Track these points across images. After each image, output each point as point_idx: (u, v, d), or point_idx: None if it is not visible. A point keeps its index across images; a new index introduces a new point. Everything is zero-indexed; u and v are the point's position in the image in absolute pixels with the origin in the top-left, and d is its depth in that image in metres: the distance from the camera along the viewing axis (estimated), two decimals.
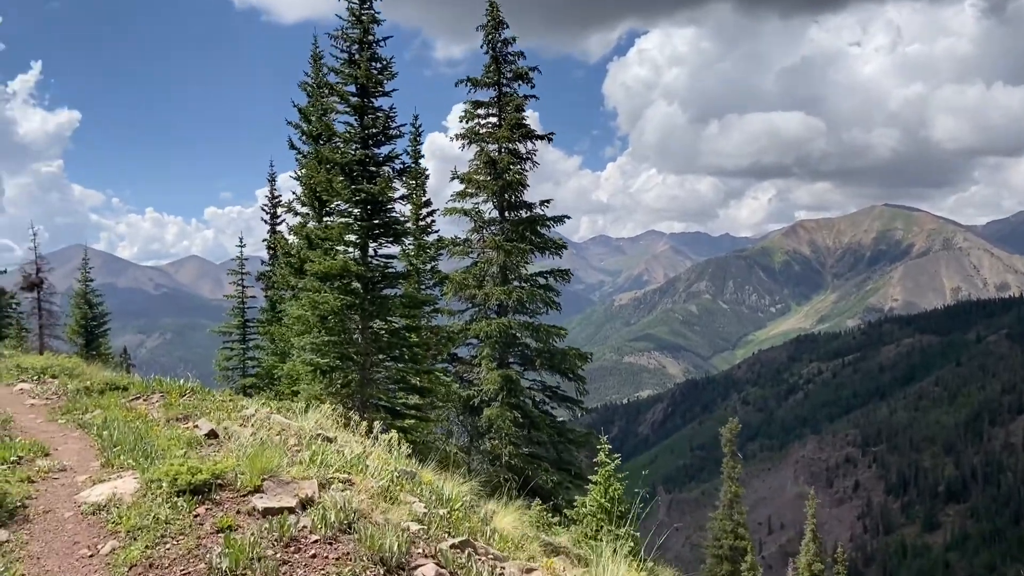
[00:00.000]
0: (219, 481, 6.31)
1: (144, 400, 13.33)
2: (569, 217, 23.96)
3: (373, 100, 15.25)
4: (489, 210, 23.99)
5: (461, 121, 23.90)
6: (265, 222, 39.29)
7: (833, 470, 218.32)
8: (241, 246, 31.92)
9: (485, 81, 23.75)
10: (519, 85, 24.05)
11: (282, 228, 39.05)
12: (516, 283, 23.21)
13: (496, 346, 21.96)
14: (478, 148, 23.32)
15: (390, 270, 15.43)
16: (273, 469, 6.39)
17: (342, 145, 14.79)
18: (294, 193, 26.52)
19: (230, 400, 14.28)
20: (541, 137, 23.58)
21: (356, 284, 14.37)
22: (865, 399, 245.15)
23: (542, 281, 24.02)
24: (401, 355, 14.45)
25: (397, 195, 14.89)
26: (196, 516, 5.81)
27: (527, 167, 23.37)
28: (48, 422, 11.59)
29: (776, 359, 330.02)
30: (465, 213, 22.88)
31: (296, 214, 26.43)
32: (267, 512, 5.77)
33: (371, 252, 14.87)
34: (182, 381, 13.74)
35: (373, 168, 14.78)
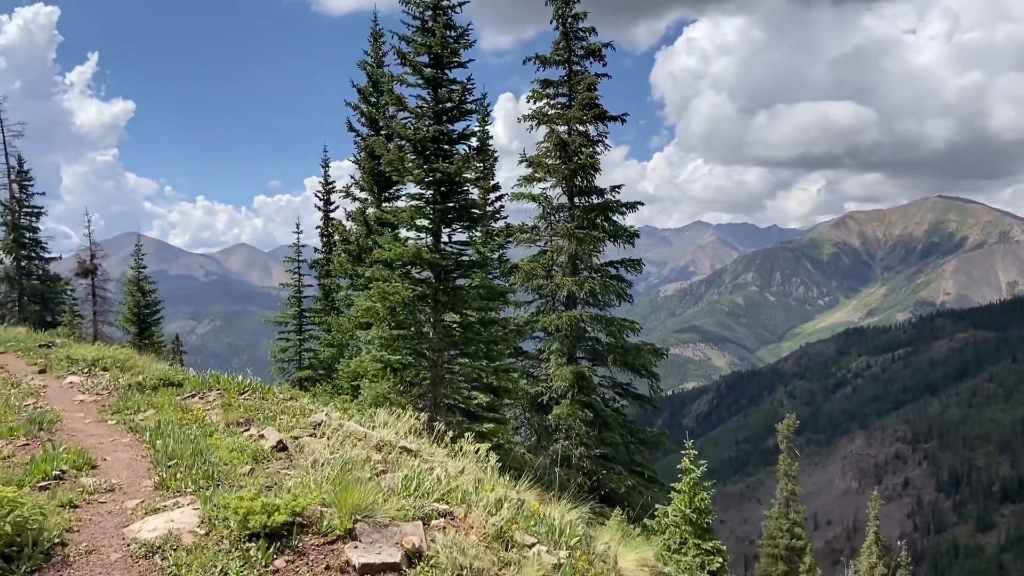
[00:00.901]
0: (300, 520, 4.99)
1: (200, 398, 12.22)
2: (643, 203, 22.35)
3: (447, 71, 13.86)
4: (558, 196, 22.52)
5: (529, 101, 22.41)
6: (319, 208, 38.40)
7: (882, 466, 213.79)
8: (298, 232, 30.94)
9: (555, 59, 22.21)
10: (590, 62, 22.46)
11: (336, 215, 38.20)
12: (586, 273, 21.71)
13: (566, 340, 20.53)
14: (548, 130, 21.82)
15: (464, 258, 14.09)
16: (367, 507, 5.04)
17: (414, 121, 13.40)
18: (352, 177, 25.38)
19: (293, 400, 13.11)
20: (614, 118, 21.97)
21: (428, 273, 13.07)
22: (916, 395, 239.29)
23: (612, 272, 22.47)
24: (476, 351, 13.12)
25: (472, 176, 13.50)
26: (275, 573, 4.49)
27: (599, 150, 21.80)
28: (97, 423, 10.53)
29: (824, 352, 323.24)
30: (533, 199, 21.42)
31: (354, 199, 25.29)
32: (365, 571, 4.42)
33: (444, 238, 13.53)
34: (240, 378, 12.61)
35: (446, 146, 13.38)
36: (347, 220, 25.24)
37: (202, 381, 12.75)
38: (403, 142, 13.12)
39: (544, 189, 22.24)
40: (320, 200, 38.45)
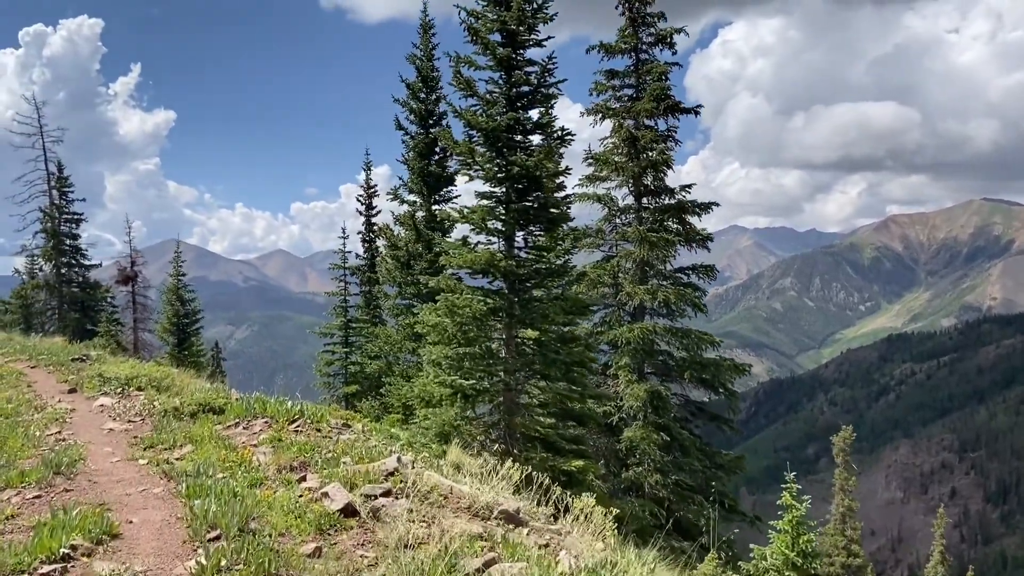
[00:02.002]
0: None
1: (244, 428, 10.62)
2: (718, 204, 20.34)
3: (522, 52, 12.07)
4: (623, 196, 20.66)
5: (591, 94, 20.56)
6: (360, 213, 37.02)
7: (928, 476, 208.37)
8: (343, 238, 29.44)
9: (620, 47, 20.36)
10: (659, 50, 20.57)
11: (378, 220, 36.78)
12: (657, 281, 19.81)
13: (636, 355, 18.64)
14: (614, 124, 19.97)
15: (542, 265, 12.31)
16: None
17: (483, 108, 11.62)
18: (400, 179, 23.79)
19: (350, 427, 11.47)
20: (688, 110, 20.05)
21: (499, 283, 11.35)
22: (962, 402, 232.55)
23: (684, 279, 20.53)
24: (554, 373, 11.28)
25: (554, 170, 11.67)
26: None
27: (670, 146, 19.90)
28: (127, 462, 8.98)
29: (866, 359, 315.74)
30: (597, 199, 19.59)
31: (402, 202, 23.68)
32: None
33: (519, 242, 11.78)
34: (289, 403, 11.01)
35: (518, 137, 11.58)
36: (395, 224, 23.71)
37: (246, 407, 11.17)
38: (473, 132, 11.38)
39: (608, 189, 20.41)
40: (362, 205, 37.07)
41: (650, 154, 19.42)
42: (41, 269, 46.36)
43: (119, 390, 13.86)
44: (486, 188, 11.68)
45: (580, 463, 10.22)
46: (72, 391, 14.62)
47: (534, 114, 11.66)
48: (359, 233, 35.67)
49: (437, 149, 23.25)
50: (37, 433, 10.69)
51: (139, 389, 13.97)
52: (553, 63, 11.77)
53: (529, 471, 7.94)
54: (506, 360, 11.09)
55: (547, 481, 7.56)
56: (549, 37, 12.03)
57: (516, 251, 11.49)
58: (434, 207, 22.86)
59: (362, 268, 33.57)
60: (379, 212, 37.11)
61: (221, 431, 10.52)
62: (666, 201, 19.97)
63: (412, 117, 23.70)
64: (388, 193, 23.74)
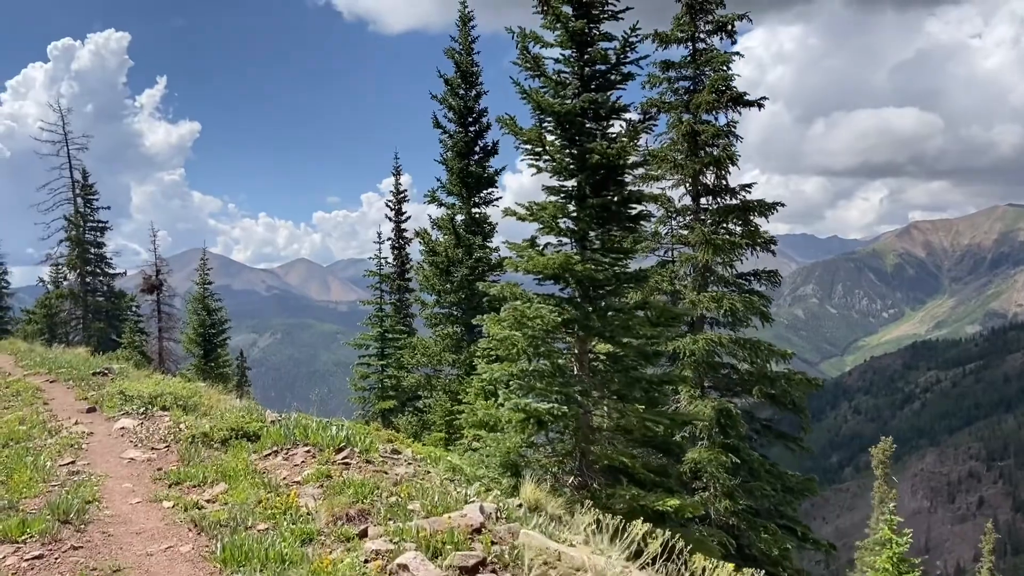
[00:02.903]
0: None
1: (284, 458, 9.22)
2: (783, 204, 18.72)
3: (598, 25, 10.49)
4: (680, 196, 19.14)
5: (644, 87, 19.05)
6: (390, 219, 35.77)
7: (955, 485, 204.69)
8: (379, 243, 28.06)
9: (676, 36, 18.84)
10: (719, 39, 19.04)
11: (407, 226, 35.49)
12: (719, 288, 18.26)
13: (699, 368, 17.05)
14: (671, 118, 18.45)
15: (620, 269, 10.78)
16: None
17: (553, 90, 10.04)
18: (438, 180, 22.41)
19: (401, 458, 10.04)
20: (752, 103, 18.49)
21: (571, 290, 9.86)
22: (989, 410, 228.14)
23: (746, 285, 18.93)
24: (637, 394, 9.69)
25: (637, 159, 10.05)
26: None
27: (733, 141, 18.36)
28: (149, 503, 7.61)
29: (890, 366, 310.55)
30: (653, 199, 18.05)
31: (440, 204, 22.31)
32: None
33: (591, 243, 10.18)
34: (334, 429, 9.59)
35: (590, 124, 9.98)
36: (432, 228, 22.36)
37: (285, 433, 9.76)
38: (544, 116, 9.83)
39: (664, 188, 18.90)
40: (391, 210, 35.83)
41: (712, 151, 17.90)
42: (66, 278, 45.63)
43: (142, 410, 12.55)
44: (553, 182, 10.20)
45: (675, 501, 8.66)
46: (91, 410, 13.35)
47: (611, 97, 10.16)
48: (388, 239, 34.44)
49: (477, 148, 21.93)
50: (48, 463, 9.38)
51: (164, 409, 12.65)
52: (636, 34, 10.10)
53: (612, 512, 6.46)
54: (581, 379, 9.60)
55: (640, 526, 6.10)
56: (627, 8, 10.43)
57: (591, 253, 9.94)
58: (474, 210, 21.51)
59: (392, 275, 32.28)
60: (409, 218, 35.88)
61: (257, 462, 9.14)
62: (728, 201, 18.40)
63: (450, 114, 22.33)
64: (425, 195, 22.43)
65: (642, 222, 10.74)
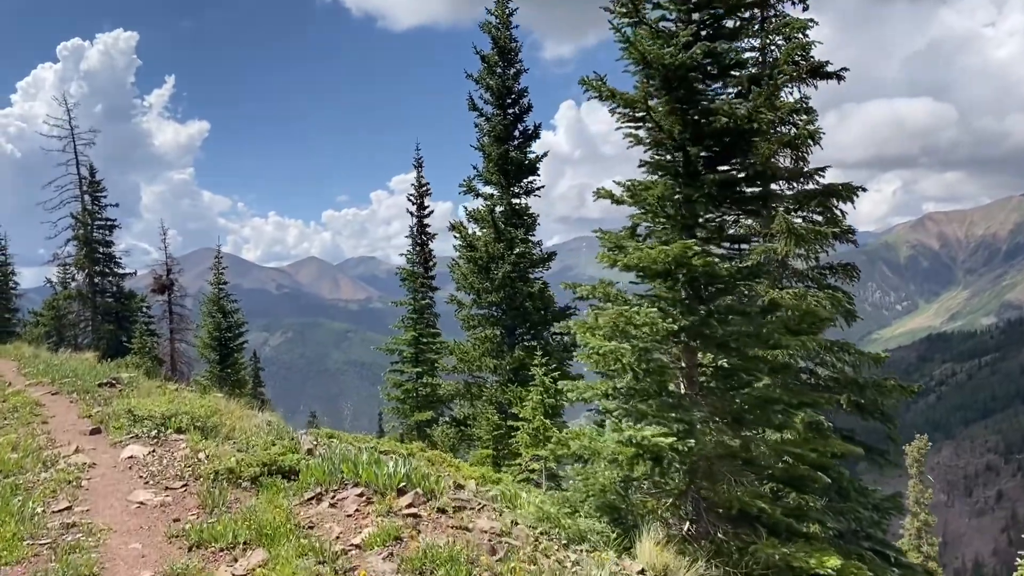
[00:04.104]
0: None
1: (332, 504, 7.33)
2: (865, 189, 16.68)
3: None
4: None
5: None
6: (411, 214, 33.83)
7: (972, 479, 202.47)
8: (414, 238, 26.03)
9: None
10: (791, 4, 16.99)
11: (430, 221, 33.63)
12: (797, 284, 16.27)
13: (776, 375, 14.99)
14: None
15: (743, 263, 8.87)
16: None
17: (658, 40, 7.96)
18: (475, 168, 20.46)
19: (466, 494, 8.14)
20: (831, 75, 16.44)
21: (682, 290, 7.92)
22: (1006, 403, 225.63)
23: (825, 280, 16.92)
24: (771, 418, 7.71)
25: (772, 118, 7.90)
26: None
27: (813, 117, 16.33)
28: None
29: (904, 359, 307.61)
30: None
31: (477, 195, 20.36)
32: None
33: (703, 231, 8.18)
34: (391, 465, 7.69)
35: (703, 84, 7.96)
36: (468, 221, 20.45)
37: (329, 470, 7.85)
38: (651, 71, 7.79)
39: None
40: (413, 204, 33.90)
41: (791, 129, 15.88)
42: (74, 279, 43.99)
43: (153, 433, 10.68)
44: (651, 157, 8.21)
45: (836, 561, 6.78)
46: (95, 431, 11.51)
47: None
48: (409, 235, 32.55)
49: (517, 132, 19.99)
50: (39, 510, 7.55)
51: (179, 431, 10.78)
52: None
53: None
54: (696, 401, 7.68)
55: None
56: None
57: (708, 243, 7.92)
58: (514, 200, 19.58)
59: (413, 274, 30.38)
60: (431, 212, 33.97)
61: (298, 509, 7.25)
62: (806, 186, 16.37)
63: (488, 95, 20.37)
64: (460, 184, 20.48)
65: (773, 203, 8.79)
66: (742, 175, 7.95)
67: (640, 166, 8.38)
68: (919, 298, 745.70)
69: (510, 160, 19.91)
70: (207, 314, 30.31)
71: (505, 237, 19.10)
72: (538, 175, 20.39)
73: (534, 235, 20.10)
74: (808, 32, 16.64)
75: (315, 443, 10.42)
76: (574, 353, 20.00)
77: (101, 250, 43.09)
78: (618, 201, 8.05)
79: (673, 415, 7.02)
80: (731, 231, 8.51)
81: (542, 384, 14.55)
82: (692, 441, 6.61)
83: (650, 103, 7.50)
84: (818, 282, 16.80)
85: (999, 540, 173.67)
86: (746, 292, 8.69)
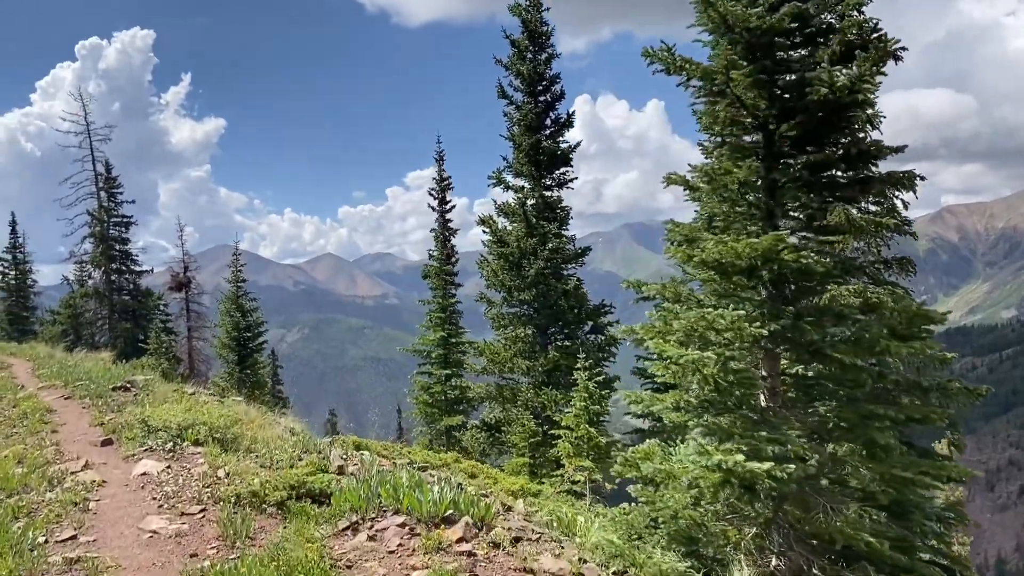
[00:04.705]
0: None
1: (370, 535, 6.39)
2: (924, 178, 15.45)
3: None
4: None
5: None
6: (432, 208, 32.86)
7: (994, 473, 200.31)
8: (442, 236, 24.98)
9: None
10: None
11: (452, 216, 32.67)
12: (856, 281, 15.06)
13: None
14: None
15: (841, 256, 7.88)
16: None
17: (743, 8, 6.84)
18: (504, 159, 19.44)
19: (516, 517, 7.19)
20: (889, 54, 15.15)
21: (762, 289, 6.92)
22: None
23: (882, 278, 15.73)
24: (875, 437, 6.65)
25: (873, 91, 6.83)
26: None
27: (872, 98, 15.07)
28: None
29: None
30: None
31: (507, 187, 19.34)
32: None
33: (790, 222, 7.12)
34: (435, 490, 6.75)
35: (786, 54, 6.91)
36: (498, 215, 19.43)
37: (366, 495, 6.92)
38: (733, 35, 6.69)
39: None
40: (434, 199, 32.93)
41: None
42: (91, 276, 43.47)
43: (169, 445, 9.81)
44: (726, 138, 7.20)
45: None
46: (107, 442, 10.67)
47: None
48: (432, 231, 31.60)
49: (548, 120, 18.95)
50: (42, 539, 6.69)
51: (196, 444, 9.90)
52: None
53: None
54: (786, 416, 6.67)
55: None
56: None
57: (790, 234, 6.86)
58: (546, 192, 18.56)
59: (440, 271, 29.43)
60: (454, 206, 33.04)
61: (332, 542, 6.32)
62: (869, 172, 15.17)
63: (518, 82, 19.32)
64: (490, 176, 19.45)
65: (873, 189, 7.69)
66: (839, 154, 6.91)
67: (714, 149, 7.31)
68: (938, 291, 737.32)
69: (542, 150, 18.89)
70: (225, 313, 29.50)
71: (537, 231, 18.10)
72: (571, 166, 19.36)
73: (567, 229, 19.11)
74: (863, 9, 15.48)
75: (345, 458, 9.50)
76: (613, 353, 19.02)
77: (117, 247, 42.51)
78: (693, 188, 7.03)
79: (764, 434, 6.02)
80: (820, 222, 7.42)
81: (586, 390, 13.58)
82: (792, 467, 5.62)
83: (731, 74, 6.49)
84: (875, 278, 15.67)
85: (1021, 535, 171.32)
86: (837, 292, 7.67)
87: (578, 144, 19.02)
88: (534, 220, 18.26)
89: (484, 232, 19.65)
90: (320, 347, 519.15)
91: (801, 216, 7.28)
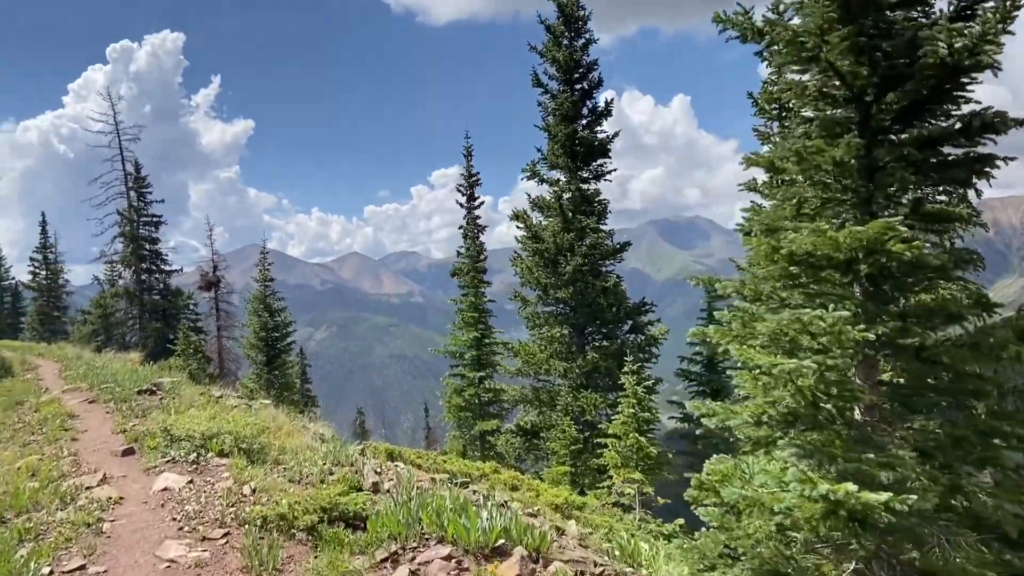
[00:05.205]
0: None
1: (412, 569, 5.63)
2: (1015, 158, 14.25)
3: None
4: None
5: None
6: (461, 205, 32.12)
7: None
8: (470, 233, 24.15)
9: None
10: None
11: (480, 213, 31.92)
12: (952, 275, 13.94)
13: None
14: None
15: (952, 247, 7.00)
16: None
17: None
18: (539, 151, 18.55)
19: (570, 540, 6.36)
20: None
21: (855, 285, 6.05)
22: None
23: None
24: (996, 455, 5.81)
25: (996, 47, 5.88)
26: None
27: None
28: None
29: None
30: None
31: (541, 180, 18.45)
32: None
33: (892, 208, 6.21)
34: (484, 515, 5.96)
35: (890, 13, 5.91)
36: (532, 210, 18.56)
37: (405, 520, 6.15)
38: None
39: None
40: (463, 195, 32.18)
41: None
42: (121, 276, 43.44)
43: (192, 456, 9.15)
44: (813, 112, 6.24)
45: None
46: (128, 452, 10.06)
47: None
48: (460, 228, 30.86)
49: (585, 110, 18.04)
50: (46, 569, 6.02)
51: (221, 455, 9.24)
52: None
53: None
54: (891, 434, 5.84)
55: None
56: None
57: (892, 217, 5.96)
58: (583, 185, 17.64)
59: (473, 268, 28.67)
60: (482, 203, 32.29)
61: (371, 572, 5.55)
62: (975, 152, 14.05)
63: (553, 69, 18.37)
64: (523, 169, 18.58)
65: (987, 169, 6.74)
66: (957, 128, 5.97)
67: (764, 135, 6.43)
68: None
69: (578, 140, 17.96)
70: (253, 312, 28.99)
71: (575, 226, 17.20)
72: (609, 157, 18.38)
73: (605, 223, 18.14)
74: None
75: (379, 472, 8.74)
76: (654, 354, 18.09)
77: (147, 247, 42.43)
78: (779, 170, 6.16)
79: (871, 456, 5.15)
80: (928, 207, 6.49)
81: (634, 395, 12.65)
82: (913, 498, 4.75)
83: (827, 37, 5.60)
84: (945, 273, 14.55)
85: None
86: (946, 289, 6.76)
87: (616, 134, 18.06)
88: (571, 214, 17.35)
89: (518, 227, 18.78)
90: (347, 345, 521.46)
91: (905, 201, 6.35)
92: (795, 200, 6.08)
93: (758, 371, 5.51)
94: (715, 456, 7.15)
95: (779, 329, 5.49)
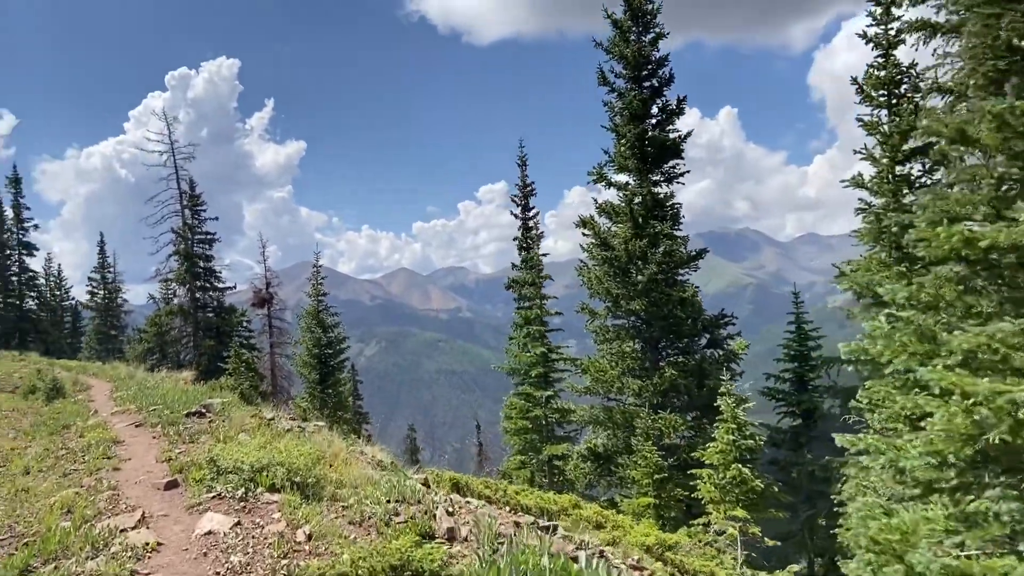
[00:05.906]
0: None
1: None
2: None
3: None
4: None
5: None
6: (515, 216, 31.07)
7: None
8: (525, 244, 23.03)
9: None
10: None
11: (533, 222, 30.82)
12: None
13: None
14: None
15: None
16: None
17: None
18: (606, 153, 17.34)
19: None
20: None
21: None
22: None
23: None
24: None
25: None
26: None
27: None
28: None
29: None
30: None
31: (609, 184, 17.22)
32: None
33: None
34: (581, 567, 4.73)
35: None
36: (599, 215, 17.34)
37: None
38: None
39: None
40: (517, 206, 31.10)
41: None
42: (175, 294, 43.49)
43: (240, 492, 8.12)
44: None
45: None
46: (172, 485, 9.10)
47: None
48: (514, 239, 29.78)
49: (655, 109, 16.78)
50: None
51: (272, 490, 8.20)
52: None
53: None
54: None
55: None
56: None
57: None
58: (655, 188, 16.36)
59: (519, 280, 27.52)
60: (538, 213, 31.17)
61: None
62: None
63: (620, 67, 17.17)
64: (590, 173, 17.37)
65: None
66: None
67: (967, 101, 5.15)
68: None
69: (648, 141, 16.69)
70: (306, 328, 28.26)
71: (647, 232, 15.91)
72: (682, 158, 17.03)
73: (680, 229, 16.79)
74: None
75: (452, 512, 7.59)
76: (735, 371, 16.60)
77: (201, 264, 42.37)
78: (972, 140, 4.85)
79: None
80: None
81: (734, 420, 11.22)
82: None
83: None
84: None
85: None
86: None
87: (689, 134, 16.68)
88: (642, 219, 16.06)
89: (584, 235, 17.54)
90: (396, 360, 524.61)
91: None
92: (995, 180, 4.73)
93: (958, 396, 4.17)
94: (860, 500, 5.79)
95: (982, 344, 4.20)
